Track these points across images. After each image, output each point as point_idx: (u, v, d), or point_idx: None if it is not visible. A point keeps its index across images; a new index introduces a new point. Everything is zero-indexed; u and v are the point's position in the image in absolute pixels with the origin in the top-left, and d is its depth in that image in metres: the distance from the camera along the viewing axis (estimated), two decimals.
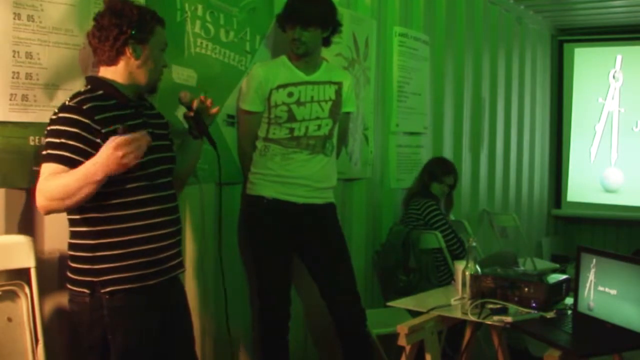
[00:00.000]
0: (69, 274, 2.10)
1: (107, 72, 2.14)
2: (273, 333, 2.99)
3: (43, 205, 1.95)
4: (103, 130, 1.99)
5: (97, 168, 1.88)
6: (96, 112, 2.00)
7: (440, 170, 4.12)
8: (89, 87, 2.10)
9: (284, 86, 2.89)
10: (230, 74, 2.92)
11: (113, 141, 1.87)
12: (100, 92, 2.07)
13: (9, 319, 2.07)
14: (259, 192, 2.91)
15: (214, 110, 2.43)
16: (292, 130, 2.90)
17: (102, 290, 2.04)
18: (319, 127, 2.94)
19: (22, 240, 2.10)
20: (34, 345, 2.08)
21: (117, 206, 2.05)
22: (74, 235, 2.10)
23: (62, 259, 2.27)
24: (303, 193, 2.93)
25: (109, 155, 1.87)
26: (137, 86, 2.17)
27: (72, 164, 1.94)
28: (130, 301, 2.07)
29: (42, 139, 2.15)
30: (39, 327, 2.09)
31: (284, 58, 2.97)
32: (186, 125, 2.45)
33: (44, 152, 2.00)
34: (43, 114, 2.19)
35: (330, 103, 2.98)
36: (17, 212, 2.18)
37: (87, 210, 2.04)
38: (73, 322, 2.17)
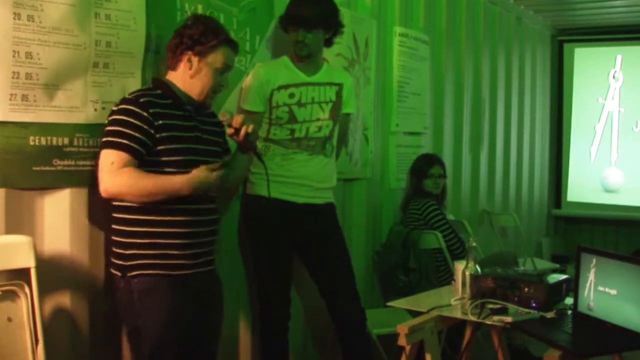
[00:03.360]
0: (111, 258, 2.28)
1: (170, 76, 2.33)
2: (273, 333, 2.99)
3: (113, 192, 2.15)
4: (156, 123, 2.18)
5: (185, 184, 2.16)
6: (151, 105, 2.19)
7: (424, 166, 4.09)
8: (150, 85, 2.32)
9: (285, 87, 2.89)
10: (230, 74, 2.91)
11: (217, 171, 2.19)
12: (159, 91, 2.27)
13: (9, 319, 2.07)
14: (258, 192, 2.91)
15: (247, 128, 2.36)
16: (292, 131, 2.90)
17: (129, 274, 2.19)
18: (320, 128, 2.94)
19: (22, 240, 2.10)
20: (34, 345, 2.08)
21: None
22: (113, 220, 2.25)
23: (62, 259, 2.28)
24: (303, 193, 2.93)
25: (206, 179, 2.17)
26: (189, 95, 2.30)
27: (132, 152, 2.15)
28: (157, 286, 2.20)
29: (43, 138, 2.20)
30: (39, 327, 2.08)
31: (285, 58, 2.97)
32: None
33: (104, 140, 2.18)
34: (43, 114, 2.19)
35: (330, 104, 2.98)
36: (17, 212, 2.18)
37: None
38: (115, 306, 2.31)
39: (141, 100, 2.19)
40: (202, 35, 2.26)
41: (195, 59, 2.27)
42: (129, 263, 2.21)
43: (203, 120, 2.36)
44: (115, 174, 2.13)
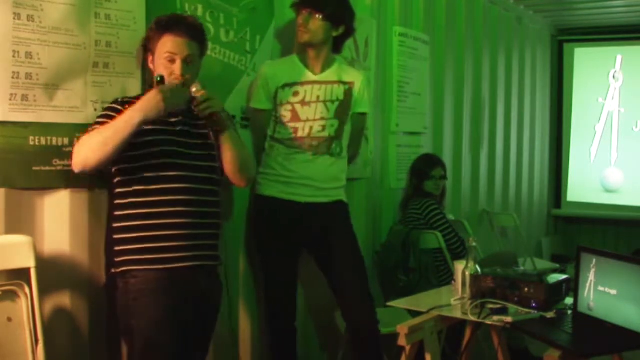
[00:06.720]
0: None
1: None
2: (280, 333, 2.98)
3: (78, 160, 2.15)
4: None
5: (134, 111, 2.12)
6: (126, 103, 2.24)
7: (425, 167, 4.08)
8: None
9: (290, 85, 2.88)
10: (230, 74, 2.91)
11: (155, 88, 2.14)
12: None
13: (9, 319, 2.08)
14: (263, 192, 2.91)
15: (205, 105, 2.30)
16: (295, 130, 2.88)
17: (114, 270, 2.26)
18: (324, 127, 2.91)
19: (22, 240, 2.11)
20: (34, 345, 2.08)
21: (133, 193, 2.24)
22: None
23: (62, 259, 2.28)
24: (306, 192, 2.91)
25: (150, 98, 2.12)
26: None
27: None
28: (149, 285, 2.20)
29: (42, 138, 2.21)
30: (39, 327, 2.09)
31: (294, 57, 2.96)
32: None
33: None
34: (43, 114, 2.20)
35: (337, 103, 2.94)
36: (17, 212, 2.18)
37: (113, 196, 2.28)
38: (114, 306, 2.34)
39: (119, 99, 2.29)
40: (149, 32, 2.32)
41: (152, 57, 2.32)
42: (116, 259, 2.26)
43: (188, 115, 2.33)
44: (78, 143, 2.18)
